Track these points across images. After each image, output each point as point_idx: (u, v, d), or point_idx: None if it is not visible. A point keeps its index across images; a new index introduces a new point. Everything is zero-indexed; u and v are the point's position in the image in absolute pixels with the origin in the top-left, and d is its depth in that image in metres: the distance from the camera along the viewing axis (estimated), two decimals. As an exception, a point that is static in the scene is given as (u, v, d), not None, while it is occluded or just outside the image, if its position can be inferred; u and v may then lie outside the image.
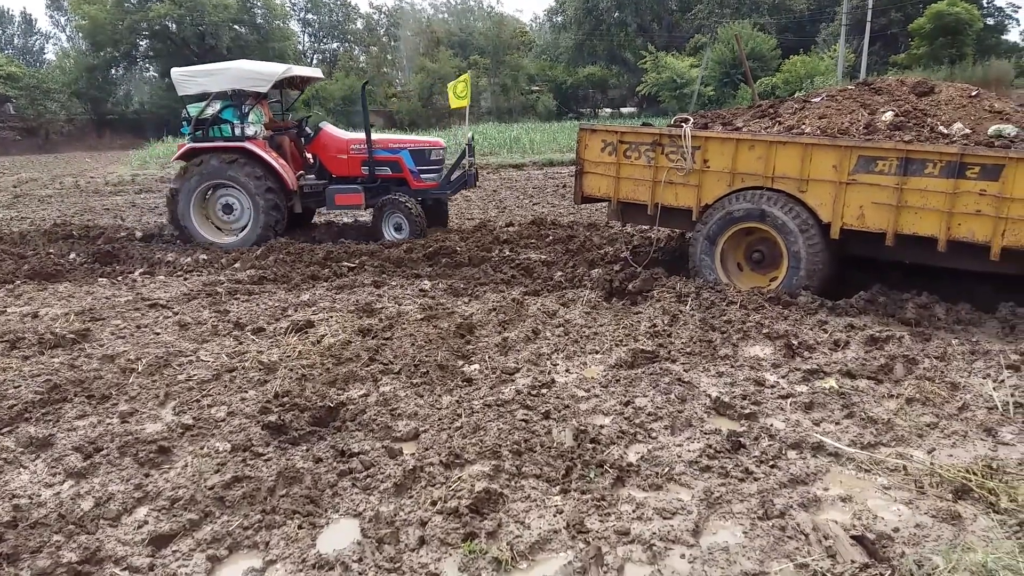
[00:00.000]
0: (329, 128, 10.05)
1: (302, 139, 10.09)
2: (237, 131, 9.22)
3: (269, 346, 5.15)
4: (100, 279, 7.61)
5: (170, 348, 5.10)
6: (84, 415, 4.03)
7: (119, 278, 7.67)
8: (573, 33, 54.36)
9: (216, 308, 6.24)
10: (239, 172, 8.99)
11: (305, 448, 3.57)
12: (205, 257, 8.45)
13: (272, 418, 3.73)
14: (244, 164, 9.00)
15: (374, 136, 9.74)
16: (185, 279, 7.58)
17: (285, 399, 3.99)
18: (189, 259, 8.38)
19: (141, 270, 7.97)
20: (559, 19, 57.63)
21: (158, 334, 5.54)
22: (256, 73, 9.26)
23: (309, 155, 10.11)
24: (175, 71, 9.46)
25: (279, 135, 9.81)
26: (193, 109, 9.43)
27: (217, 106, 9.31)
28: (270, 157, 9.11)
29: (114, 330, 5.65)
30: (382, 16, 64.57)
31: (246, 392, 4.28)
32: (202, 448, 3.57)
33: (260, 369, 4.62)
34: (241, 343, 5.27)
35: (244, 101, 9.32)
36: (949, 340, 5.03)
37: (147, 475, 3.34)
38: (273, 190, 9.05)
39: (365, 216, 11.79)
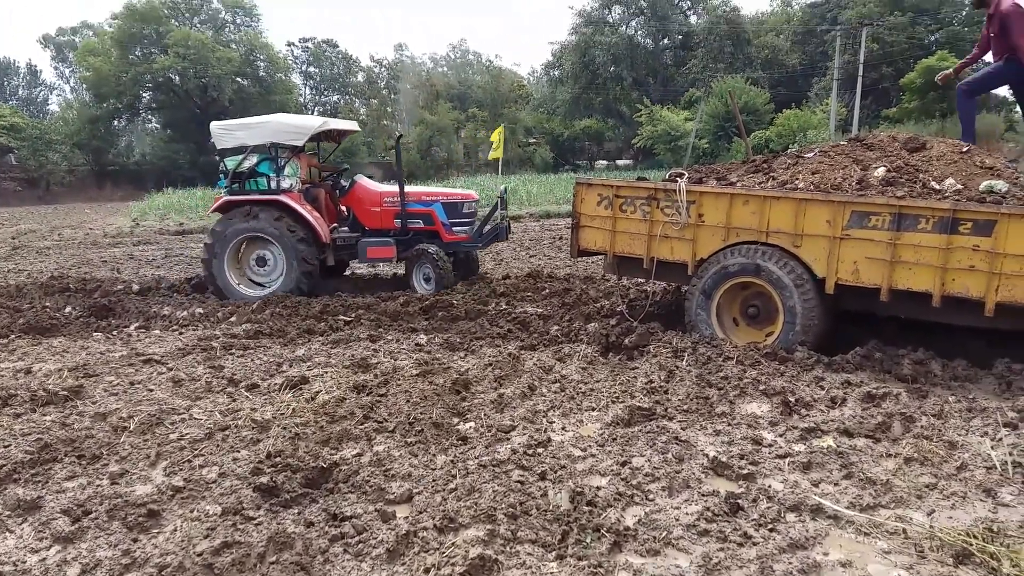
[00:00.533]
0: (363, 181, 10.17)
1: (337, 192, 10.20)
2: (273, 184, 9.34)
3: (263, 403, 5.11)
4: (95, 333, 7.58)
5: (163, 405, 5.06)
6: (74, 476, 3.98)
7: (114, 332, 7.65)
8: (570, 87, 55.32)
9: (211, 363, 6.21)
10: (273, 225, 9.08)
11: (297, 511, 3.51)
12: (201, 311, 8.45)
13: (264, 480, 3.68)
14: (278, 217, 9.10)
15: (407, 189, 9.84)
16: (181, 333, 7.56)
17: (277, 459, 3.94)
18: (185, 313, 8.37)
19: (137, 324, 7.95)
20: (556, 73, 58.71)
21: (151, 391, 5.50)
22: (293, 127, 9.43)
23: (343, 208, 10.18)
24: (215, 125, 9.62)
25: (315, 188, 9.92)
26: (231, 162, 9.57)
27: (254, 159, 9.47)
28: (304, 210, 9.20)
29: (107, 386, 5.61)
30: (383, 69, 65.83)
31: (238, 452, 4.23)
32: (192, 511, 3.51)
33: (253, 428, 4.58)
34: (235, 400, 5.23)
35: (281, 154, 9.47)
36: (946, 397, 5.01)
37: (135, 540, 3.28)
38: (306, 242, 9.13)
39: (362, 268, 11.83)
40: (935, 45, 41.50)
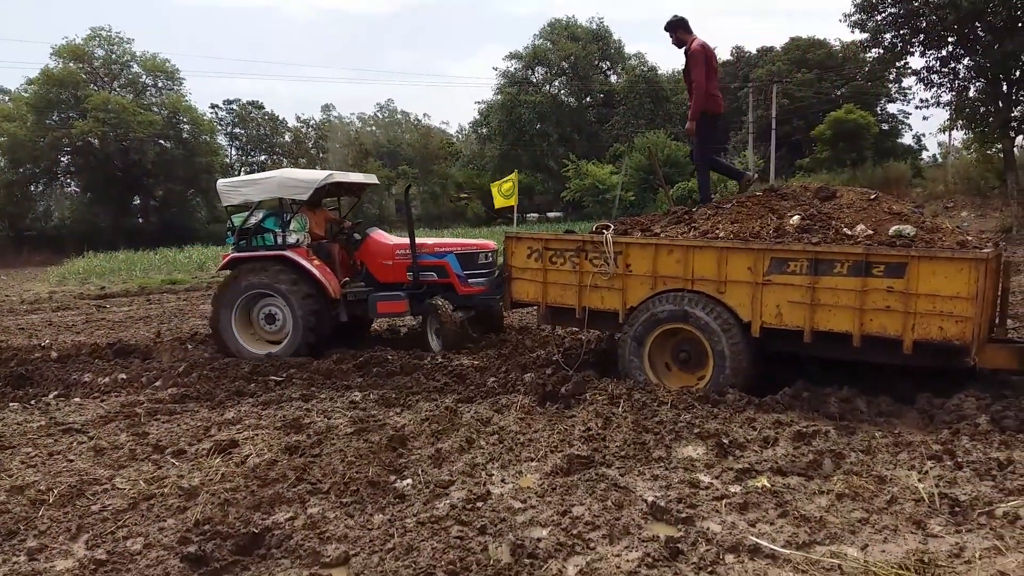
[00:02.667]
0: (377, 234, 9.92)
1: (351, 246, 9.93)
2: (279, 239, 9.14)
3: (190, 469, 4.92)
4: (11, 404, 7.21)
5: (84, 476, 4.83)
6: (-14, 555, 3.74)
7: (32, 402, 7.29)
8: (498, 144, 56.25)
9: (134, 430, 5.96)
10: (279, 280, 8.84)
11: (228, 580, 3.38)
12: (124, 376, 8.13)
13: (192, 549, 3.54)
14: (283, 272, 8.87)
15: (419, 240, 9.58)
16: (103, 400, 7.24)
17: (206, 527, 3.79)
18: (107, 379, 8.04)
19: (56, 392, 7.60)
20: (484, 131, 59.64)
21: (72, 461, 5.24)
22: (298, 181, 9.24)
23: (358, 262, 9.90)
24: (220, 182, 9.47)
25: (328, 243, 9.70)
26: (237, 219, 9.39)
27: (260, 215, 9.29)
28: (310, 265, 8.96)
29: (24, 458, 5.32)
30: (310, 129, 65.72)
31: (164, 521, 4.05)
32: (115, 586, 3.34)
33: (180, 495, 4.40)
34: (160, 467, 5.03)
35: (287, 209, 9.30)
36: (873, 433, 5.16)
37: (53, 620, 3.10)
38: (313, 298, 8.83)
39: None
40: (841, 99, 43.77)
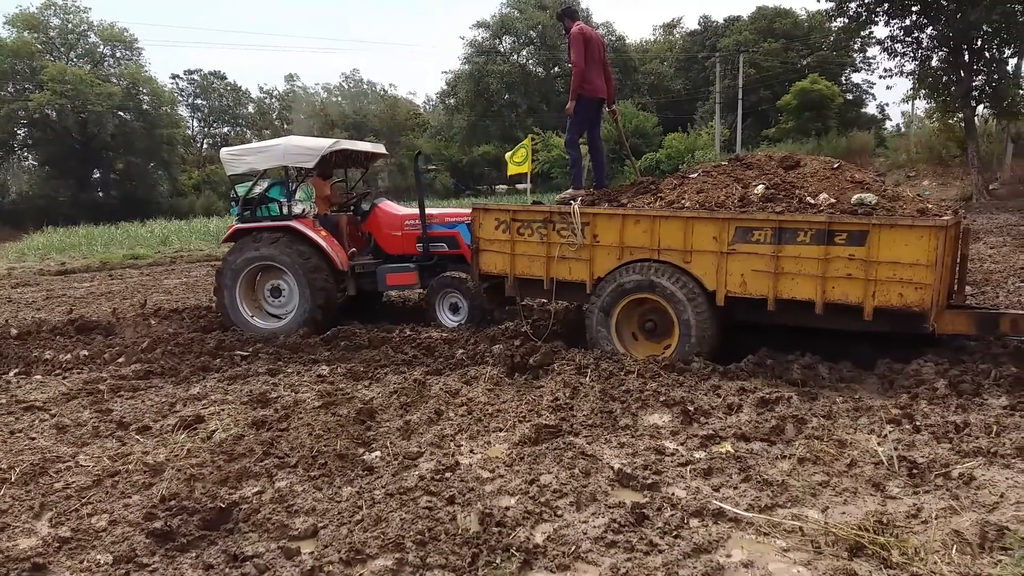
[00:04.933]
0: (385, 204, 9.63)
1: (359, 217, 9.67)
2: (284, 209, 8.88)
3: (155, 446, 4.87)
4: (-32, 383, 7.07)
5: (46, 454, 4.76)
6: (-54, 535, 3.68)
7: (-10, 380, 7.15)
8: (466, 114, 55.76)
9: (98, 407, 5.88)
10: (284, 252, 8.59)
11: (194, 555, 3.36)
12: (86, 353, 8.00)
13: (158, 524, 3.51)
14: (289, 244, 8.61)
15: (430, 211, 9.29)
16: (64, 377, 7.13)
17: (172, 503, 3.77)
18: (69, 356, 7.91)
19: (16, 370, 7.46)
20: (451, 101, 59.05)
21: (34, 439, 5.16)
22: (303, 148, 8.92)
23: (366, 233, 9.65)
24: (224, 151, 9.16)
25: (335, 214, 9.46)
26: (241, 189, 9.11)
27: (264, 185, 9.01)
28: (317, 236, 8.70)
29: (-17, 438, 5.24)
30: (273, 100, 64.65)
31: (130, 497, 4.02)
32: (81, 563, 3.31)
33: (145, 471, 4.36)
34: (125, 444, 4.97)
35: (292, 178, 9.01)
36: (834, 398, 5.27)
37: (17, 599, 3.07)
38: (320, 270, 8.59)
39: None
40: (807, 69, 44.01)
